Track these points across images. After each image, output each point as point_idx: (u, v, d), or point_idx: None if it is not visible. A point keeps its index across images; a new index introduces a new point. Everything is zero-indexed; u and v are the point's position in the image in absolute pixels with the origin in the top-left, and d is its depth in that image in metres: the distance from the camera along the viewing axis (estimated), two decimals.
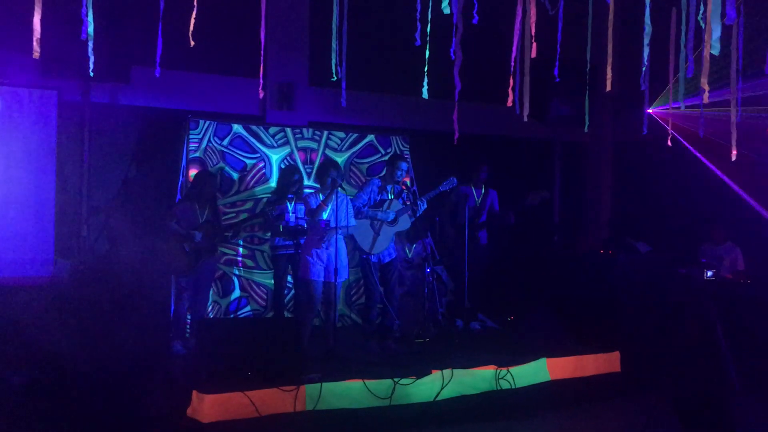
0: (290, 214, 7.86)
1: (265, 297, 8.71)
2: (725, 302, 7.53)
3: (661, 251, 9.03)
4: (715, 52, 4.37)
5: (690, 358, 6.82)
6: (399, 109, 10.18)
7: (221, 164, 8.58)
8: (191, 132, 8.43)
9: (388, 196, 7.49)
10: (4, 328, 6.98)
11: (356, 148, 9.49)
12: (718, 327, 6.21)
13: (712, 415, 5.19)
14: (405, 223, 7.49)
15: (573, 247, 11.37)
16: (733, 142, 5.51)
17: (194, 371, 6.18)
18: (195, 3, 4.73)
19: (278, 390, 5.73)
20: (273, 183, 8.74)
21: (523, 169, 10.61)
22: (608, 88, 5.49)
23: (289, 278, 8.30)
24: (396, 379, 6.20)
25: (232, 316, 8.47)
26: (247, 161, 8.77)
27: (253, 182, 8.77)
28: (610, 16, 5.23)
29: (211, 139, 8.56)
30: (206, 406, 5.47)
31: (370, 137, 9.62)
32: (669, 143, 6.61)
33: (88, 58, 4.45)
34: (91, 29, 4.38)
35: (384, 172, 8.09)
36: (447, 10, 4.62)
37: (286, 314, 8.35)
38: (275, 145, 8.95)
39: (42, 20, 4.13)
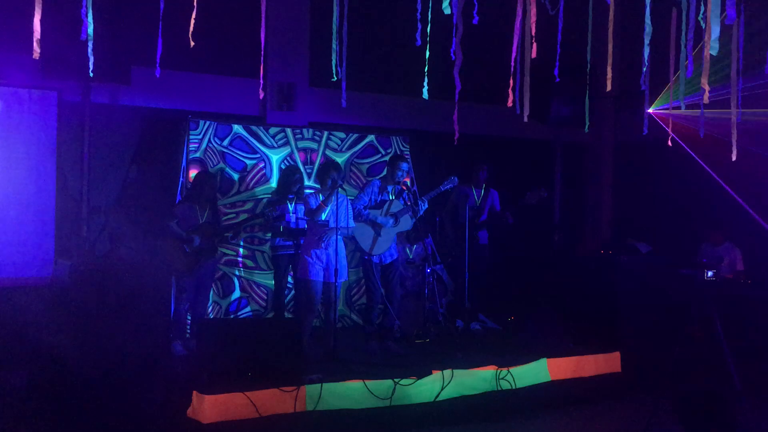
0: (291, 214, 7.86)
1: (265, 297, 8.71)
2: (726, 303, 7.52)
3: (662, 251, 9.03)
4: (714, 52, 4.37)
5: (691, 358, 6.83)
6: (399, 110, 10.19)
7: (221, 165, 8.58)
8: (191, 132, 8.43)
9: (388, 197, 7.49)
10: (5, 328, 6.99)
11: (356, 149, 9.49)
12: (719, 327, 6.22)
13: (712, 415, 5.18)
14: (406, 223, 7.48)
15: (573, 248, 11.36)
16: (734, 142, 5.50)
17: (194, 372, 6.18)
18: (195, 3, 4.73)
19: (278, 390, 5.72)
20: (273, 183, 8.74)
21: (523, 170, 10.61)
22: (608, 88, 5.49)
23: (290, 279, 8.29)
24: (396, 380, 6.20)
25: (232, 316, 8.47)
26: (248, 162, 8.77)
27: (253, 183, 8.77)
28: (611, 17, 5.22)
29: (212, 139, 8.56)
30: (206, 406, 5.47)
31: (371, 138, 9.62)
32: (669, 143, 6.61)
33: (88, 58, 4.45)
34: (91, 30, 4.38)
35: (384, 173, 8.09)
36: (447, 11, 4.62)
37: (287, 315, 8.35)
38: (275, 145, 8.95)
39: (42, 21, 4.13)
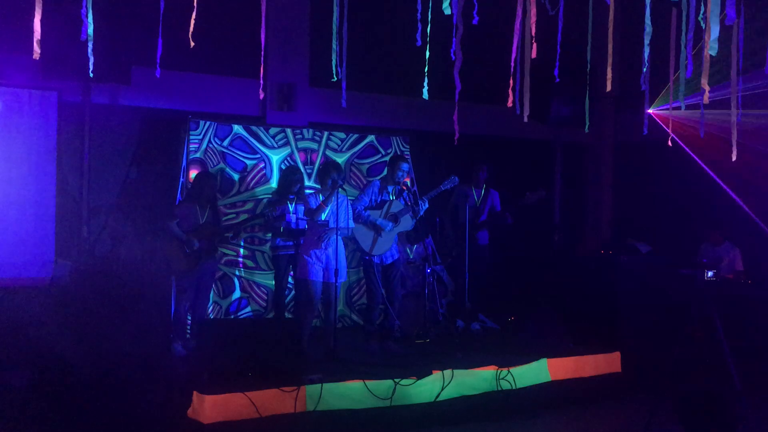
0: (291, 214, 7.86)
1: (265, 298, 8.71)
2: (726, 303, 7.52)
3: (662, 252, 9.03)
4: (713, 52, 4.37)
5: (691, 358, 6.83)
6: (399, 110, 10.18)
7: (222, 165, 8.58)
8: (191, 133, 8.44)
9: (389, 197, 7.49)
10: (5, 328, 7.00)
11: (357, 149, 9.49)
12: (719, 327, 6.22)
13: (712, 415, 5.18)
14: (407, 223, 7.48)
15: (574, 248, 11.36)
16: (734, 143, 5.50)
17: (195, 372, 6.18)
18: (195, 3, 4.73)
19: (279, 391, 5.72)
20: (273, 184, 8.74)
21: (523, 170, 10.61)
22: (609, 88, 5.49)
23: (290, 279, 8.29)
24: (396, 380, 6.20)
25: (232, 316, 8.47)
26: (248, 162, 8.77)
27: (253, 183, 8.77)
28: (611, 17, 5.22)
29: (212, 139, 8.56)
30: (207, 406, 5.47)
31: (371, 138, 9.62)
32: (669, 144, 6.61)
33: (89, 58, 4.45)
34: (91, 30, 4.38)
35: (384, 173, 8.09)
36: (447, 11, 4.62)
37: (287, 315, 8.35)
38: (275, 145, 8.95)
39: (42, 21, 4.13)
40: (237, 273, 8.58)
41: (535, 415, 6.65)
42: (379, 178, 8.39)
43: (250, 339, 6.00)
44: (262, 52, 5.58)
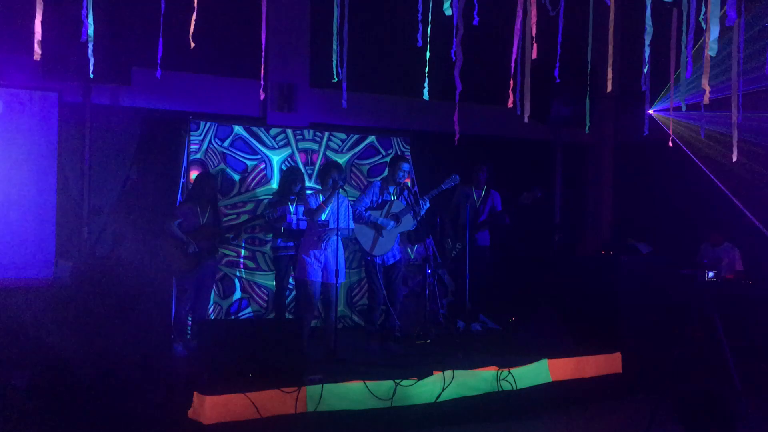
0: (292, 215, 7.86)
1: (266, 298, 8.71)
2: (726, 303, 7.52)
3: (662, 252, 9.03)
4: (713, 53, 4.37)
5: (691, 358, 6.83)
6: (400, 111, 10.18)
7: (222, 165, 8.59)
8: (192, 133, 8.44)
9: (390, 197, 7.49)
10: (6, 328, 6.99)
11: (357, 150, 9.49)
12: (719, 327, 6.22)
13: (712, 415, 5.18)
14: (408, 222, 7.48)
15: (574, 248, 11.36)
16: (734, 143, 5.50)
17: (195, 373, 6.17)
18: (195, 4, 4.73)
19: (279, 391, 5.72)
20: (274, 184, 8.74)
21: (523, 170, 10.60)
22: (609, 88, 5.49)
23: (291, 280, 8.30)
24: (397, 381, 6.20)
25: (233, 317, 8.47)
26: (248, 162, 8.77)
27: (254, 183, 8.77)
28: (611, 17, 5.23)
29: (212, 140, 8.56)
30: (207, 407, 5.47)
31: (371, 138, 9.62)
32: (670, 144, 6.61)
33: (89, 59, 4.46)
34: (91, 31, 4.38)
35: (385, 174, 8.09)
36: (448, 12, 4.62)
37: (288, 316, 8.35)
38: (276, 146, 8.95)
39: (43, 22, 4.13)
40: (238, 273, 8.58)
41: (536, 416, 6.65)
42: (379, 178, 8.39)
43: (250, 339, 5.99)
44: (263, 53, 5.58)
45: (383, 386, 6.14)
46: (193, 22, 4.74)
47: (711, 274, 8.46)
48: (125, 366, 6.56)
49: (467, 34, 5.15)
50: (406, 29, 5.78)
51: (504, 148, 10.67)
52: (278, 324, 7.37)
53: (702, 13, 4.82)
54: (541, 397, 6.93)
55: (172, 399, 5.93)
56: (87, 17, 4.35)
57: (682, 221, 10.23)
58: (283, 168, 8.76)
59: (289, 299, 8.49)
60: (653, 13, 4.97)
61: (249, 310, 8.61)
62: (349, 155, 9.41)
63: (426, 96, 5.33)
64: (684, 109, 5.64)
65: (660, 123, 9.43)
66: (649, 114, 7.97)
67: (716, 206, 9.66)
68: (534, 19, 5.21)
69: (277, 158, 8.93)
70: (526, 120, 5.55)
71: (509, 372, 6.78)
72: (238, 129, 8.74)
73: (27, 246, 7.83)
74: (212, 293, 8.08)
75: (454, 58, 5.22)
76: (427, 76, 5.32)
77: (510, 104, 5.54)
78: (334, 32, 5.46)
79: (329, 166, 7.48)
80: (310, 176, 8.94)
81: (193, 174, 8.15)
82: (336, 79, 5.65)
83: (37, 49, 4.12)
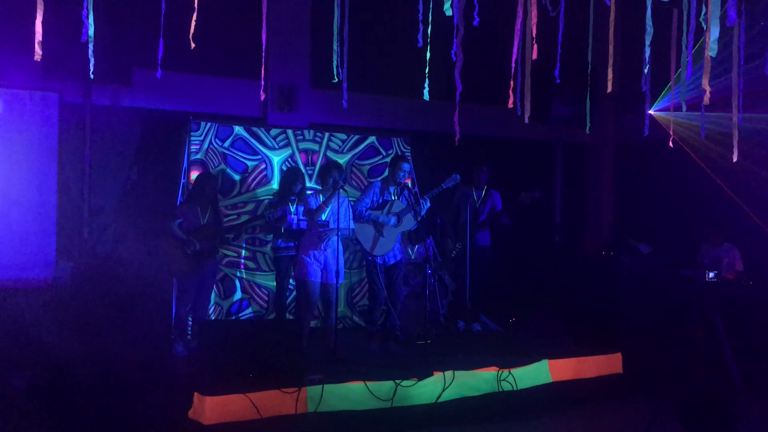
0: (292, 215, 7.86)
1: (266, 299, 8.71)
2: (726, 303, 7.52)
3: (663, 252, 9.03)
4: (713, 53, 4.37)
5: (691, 358, 6.83)
6: (400, 111, 10.18)
7: (222, 166, 8.59)
8: (192, 134, 8.45)
9: (390, 197, 7.49)
10: (6, 329, 6.99)
11: (357, 150, 9.49)
12: (720, 328, 6.22)
13: (712, 415, 5.18)
14: (409, 222, 7.47)
15: (574, 249, 11.36)
16: (735, 144, 5.49)
17: (196, 373, 6.18)
18: (196, 5, 4.73)
19: (280, 392, 5.73)
20: (274, 185, 8.75)
21: (524, 171, 10.61)
22: (609, 89, 5.49)
23: (291, 280, 8.30)
24: (397, 381, 6.20)
25: (233, 317, 8.48)
26: (249, 163, 8.78)
27: (254, 184, 8.77)
28: (611, 18, 5.23)
29: (213, 140, 8.57)
30: (208, 407, 5.47)
31: (372, 139, 9.62)
32: (671, 145, 6.60)
33: (89, 60, 4.46)
34: (91, 31, 4.38)
35: (386, 174, 8.10)
36: (449, 12, 4.62)
37: (288, 316, 8.35)
38: (276, 146, 8.96)
39: (43, 22, 4.13)
40: (238, 274, 8.59)
41: (537, 417, 6.64)
42: (380, 179, 8.39)
43: (251, 340, 5.99)
44: (263, 53, 5.58)
45: (384, 387, 6.14)
46: (193, 23, 4.74)
47: (712, 275, 8.47)
48: (125, 366, 6.56)
49: (468, 34, 5.15)
50: (406, 29, 5.77)
51: (504, 149, 10.67)
52: (279, 324, 7.37)
53: (702, 13, 4.81)
54: (542, 397, 6.93)
55: (172, 399, 5.93)
56: (87, 18, 4.35)
57: (682, 221, 10.23)
58: (284, 168, 8.76)
59: (289, 300, 8.49)
60: (653, 14, 4.97)
61: (249, 310, 8.61)
62: (349, 156, 9.41)
63: (426, 96, 5.33)
64: (684, 109, 5.64)
65: (660, 123, 9.43)
66: (650, 114, 7.97)
67: (716, 206, 9.66)
68: (534, 20, 5.21)
69: (277, 158, 8.94)
70: (526, 120, 5.54)
71: (510, 372, 6.78)
72: (238, 129, 8.74)
73: (27, 246, 7.83)
74: (213, 294, 8.09)
75: (454, 58, 5.22)
76: (428, 77, 5.31)
77: (510, 104, 5.53)
78: (335, 32, 5.46)
79: (330, 166, 7.48)
80: (310, 176, 8.95)
81: (194, 174, 8.15)
82: (336, 80, 5.65)
83: (38, 50, 4.12)
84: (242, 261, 8.64)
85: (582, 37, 6.14)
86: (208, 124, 8.56)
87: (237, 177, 8.67)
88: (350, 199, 7.53)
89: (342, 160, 9.24)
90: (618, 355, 7.67)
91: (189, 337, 7.63)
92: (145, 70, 7.67)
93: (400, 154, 9.41)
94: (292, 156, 9.03)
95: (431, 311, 8.27)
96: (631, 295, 8.15)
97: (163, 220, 7.55)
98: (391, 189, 7.53)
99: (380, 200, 7.44)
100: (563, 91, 9.30)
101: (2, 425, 5.64)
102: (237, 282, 8.56)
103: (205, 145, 8.50)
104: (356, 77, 5.93)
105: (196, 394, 5.62)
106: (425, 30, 5.22)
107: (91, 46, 4.41)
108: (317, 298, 7.11)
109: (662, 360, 6.86)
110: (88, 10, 4.33)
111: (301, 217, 7.79)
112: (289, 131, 9.07)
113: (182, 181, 8.32)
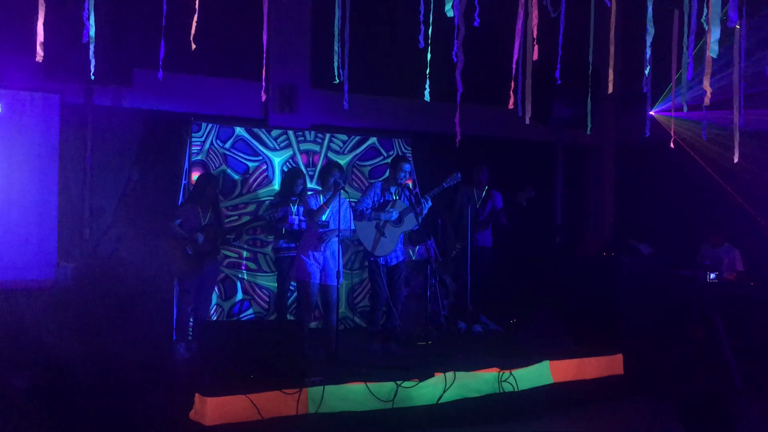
0: (293, 216, 7.86)
1: (267, 300, 8.72)
2: (726, 303, 7.51)
3: (663, 253, 9.03)
4: (714, 54, 4.37)
5: (691, 359, 6.83)
6: (401, 112, 10.18)
7: (223, 167, 8.59)
8: (194, 135, 8.45)
9: (391, 197, 7.48)
10: (7, 330, 7.00)
11: (358, 151, 9.49)
12: (720, 328, 6.21)
13: (712, 415, 5.18)
14: (411, 222, 7.47)
15: (575, 249, 11.35)
16: (735, 144, 5.50)
17: (197, 374, 6.18)
18: (197, 6, 4.74)
19: (281, 393, 5.73)
20: (275, 185, 8.75)
21: (525, 171, 10.60)
22: (610, 90, 5.49)
23: (292, 281, 8.30)
24: (398, 382, 6.20)
25: (234, 318, 8.48)
26: (250, 164, 8.78)
27: (255, 185, 8.78)
28: (612, 18, 5.23)
29: (214, 141, 8.57)
30: (209, 408, 5.48)
31: (373, 140, 9.63)
32: (672, 145, 6.61)
33: (90, 61, 4.46)
34: (92, 32, 4.39)
35: (386, 175, 8.10)
36: (450, 13, 4.62)
37: (289, 317, 8.35)
38: (277, 147, 8.96)
39: (44, 23, 4.14)
40: (239, 275, 8.59)
41: (538, 418, 6.64)
42: (381, 179, 8.40)
43: (252, 341, 6.00)
44: (264, 54, 5.58)
45: (384, 388, 6.14)
46: (194, 24, 4.75)
47: (713, 275, 8.47)
48: (126, 367, 6.56)
49: (468, 35, 5.15)
50: (407, 30, 5.77)
51: (505, 150, 10.67)
52: (279, 325, 7.37)
53: (703, 14, 4.82)
54: (543, 398, 6.92)
55: (173, 400, 5.93)
56: (88, 19, 4.36)
57: (682, 222, 10.23)
58: (285, 169, 8.77)
59: (290, 300, 8.49)
60: (654, 15, 4.98)
61: (250, 311, 8.61)
62: (350, 156, 9.41)
63: (427, 97, 5.33)
64: (685, 110, 5.64)
65: (661, 124, 9.43)
66: (651, 115, 7.97)
67: (716, 207, 9.66)
68: (535, 21, 5.21)
69: (278, 159, 8.94)
70: (527, 121, 5.55)
71: (511, 373, 6.78)
72: (239, 130, 8.75)
73: (28, 247, 7.83)
74: (214, 294, 8.09)
75: (455, 59, 5.23)
76: (429, 78, 5.31)
77: (511, 105, 5.54)
78: (336, 33, 5.47)
79: (330, 166, 7.48)
80: (311, 177, 8.95)
81: (195, 175, 8.15)
82: (337, 81, 5.65)
83: (39, 51, 4.13)
84: (243, 262, 8.65)
85: (583, 38, 6.14)
86: (210, 125, 8.56)
87: (238, 178, 8.68)
88: (351, 200, 7.52)
89: (343, 161, 9.24)
90: (619, 356, 7.66)
91: (190, 338, 7.63)
92: (146, 71, 7.67)
93: (401, 154, 9.41)
94: (293, 157, 9.03)
95: (432, 312, 8.26)
96: (631, 296, 8.15)
97: (164, 221, 7.55)
98: (392, 189, 7.53)
99: (381, 200, 7.44)
100: (564, 91, 9.30)
101: (2, 425, 5.64)
102: (238, 283, 8.56)
103: (206, 146, 8.50)
104: (357, 78, 5.94)
105: (197, 394, 5.62)
106: (426, 31, 5.22)
107: (92, 46, 4.42)
108: (316, 299, 7.10)
109: (662, 360, 6.86)
110: (89, 10, 4.34)
111: (302, 218, 7.79)
112: (290, 132, 9.08)
113: (183, 181, 8.33)
